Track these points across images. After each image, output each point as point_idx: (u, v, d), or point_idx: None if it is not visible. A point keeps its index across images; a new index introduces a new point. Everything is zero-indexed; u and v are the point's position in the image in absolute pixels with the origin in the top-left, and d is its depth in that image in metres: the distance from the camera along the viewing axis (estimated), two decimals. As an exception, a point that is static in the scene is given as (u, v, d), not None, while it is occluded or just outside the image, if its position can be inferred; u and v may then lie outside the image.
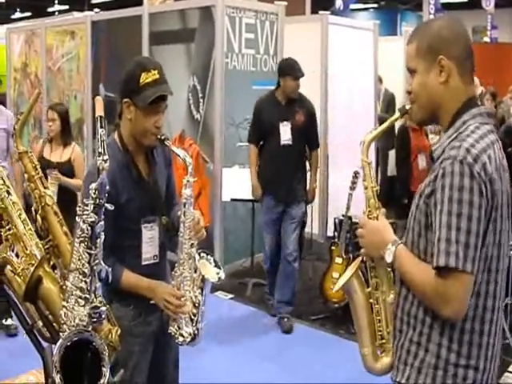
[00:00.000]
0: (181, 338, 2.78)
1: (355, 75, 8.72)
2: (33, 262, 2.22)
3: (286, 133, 5.61)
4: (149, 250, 2.86)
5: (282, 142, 5.61)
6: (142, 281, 2.77)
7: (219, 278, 2.83)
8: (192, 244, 2.76)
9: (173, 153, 2.85)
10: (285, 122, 5.61)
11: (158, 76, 2.67)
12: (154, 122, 2.70)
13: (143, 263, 2.84)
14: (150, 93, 2.63)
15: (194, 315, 2.77)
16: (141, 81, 2.64)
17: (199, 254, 2.80)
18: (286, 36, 7.61)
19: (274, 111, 5.68)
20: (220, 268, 2.86)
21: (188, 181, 2.74)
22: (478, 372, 1.98)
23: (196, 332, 2.78)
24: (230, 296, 6.42)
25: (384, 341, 2.20)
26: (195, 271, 2.77)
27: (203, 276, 2.77)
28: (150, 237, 2.85)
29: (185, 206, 2.74)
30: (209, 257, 2.86)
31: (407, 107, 2.18)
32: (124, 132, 2.80)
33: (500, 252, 1.97)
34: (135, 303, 2.82)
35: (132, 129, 2.75)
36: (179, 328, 2.77)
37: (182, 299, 2.72)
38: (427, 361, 2.00)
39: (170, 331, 2.79)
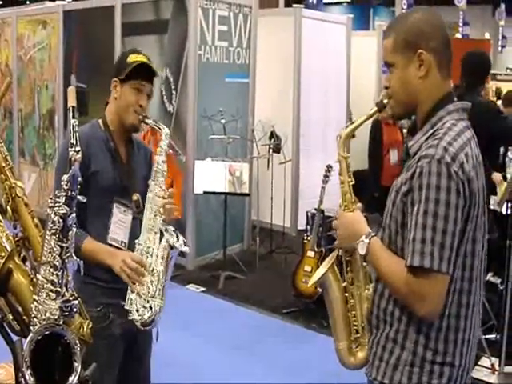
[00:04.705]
0: (135, 316, 2.58)
1: (328, 68, 8.75)
2: (2, 254, 2.18)
3: None
4: (117, 231, 2.74)
5: None
6: (103, 246, 2.68)
7: (185, 249, 2.64)
8: (156, 214, 2.66)
9: (155, 128, 2.81)
10: None
11: (146, 60, 2.77)
12: (137, 100, 2.73)
13: (108, 241, 2.71)
14: (134, 65, 2.71)
15: (152, 283, 2.58)
16: (128, 60, 2.75)
17: (165, 229, 2.64)
18: (259, 29, 7.62)
19: None
20: (185, 244, 2.67)
21: (161, 147, 2.75)
22: (454, 368, 1.97)
23: (155, 311, 2.58)
24: (202, 289, 6.40)
25: (359, 335, 2.19)
26: (160, 241, 2.63)
27: (170, 244, 2.61)
28: (120, 219, 2.75)
29: (155, 178, 2.72)
30: (172, 232, 2.66)
31: (385, 101, 2.14)
32: (109, 115, 2.82)
33: (475, 248, 1.96)
34: (104, 305, 2.72)
35: (116, 107, 2.79)
36: (136, 304, 2.58)
37: (143, 269, 2.56)
38: (403, 358, 1.99)
39: (126, 307, 2.58)
